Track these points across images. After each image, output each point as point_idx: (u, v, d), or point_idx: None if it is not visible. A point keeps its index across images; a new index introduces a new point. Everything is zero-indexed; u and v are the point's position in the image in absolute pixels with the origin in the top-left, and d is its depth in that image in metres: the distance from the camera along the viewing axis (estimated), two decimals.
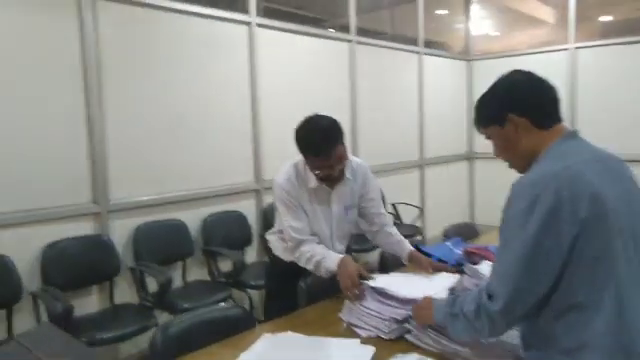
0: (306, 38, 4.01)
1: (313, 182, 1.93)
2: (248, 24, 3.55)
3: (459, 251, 2.22)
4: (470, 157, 6.04)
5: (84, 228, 2.81)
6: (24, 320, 2.55)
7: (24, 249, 2.59)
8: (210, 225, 3.35)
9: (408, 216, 4.87)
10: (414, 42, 5.20)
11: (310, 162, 1.85)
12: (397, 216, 4.76)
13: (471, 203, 6.15)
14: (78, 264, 2.73)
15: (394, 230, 2.18)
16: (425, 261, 2.01)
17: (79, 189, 2.79)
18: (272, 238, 2.17)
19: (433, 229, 5.02)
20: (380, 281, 1.73)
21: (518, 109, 1.22)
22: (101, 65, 2.83)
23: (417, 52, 5.21)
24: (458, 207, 5.96)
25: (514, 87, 1.26)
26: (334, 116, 1.88)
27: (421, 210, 5.02)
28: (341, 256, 1.86)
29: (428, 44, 5.36)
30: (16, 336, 1.31)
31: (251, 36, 3.56)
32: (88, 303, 2.81)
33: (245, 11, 3.55)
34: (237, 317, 1.66)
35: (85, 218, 2.82)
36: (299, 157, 1.93)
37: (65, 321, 2.40)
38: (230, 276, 3.18)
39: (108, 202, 2.88)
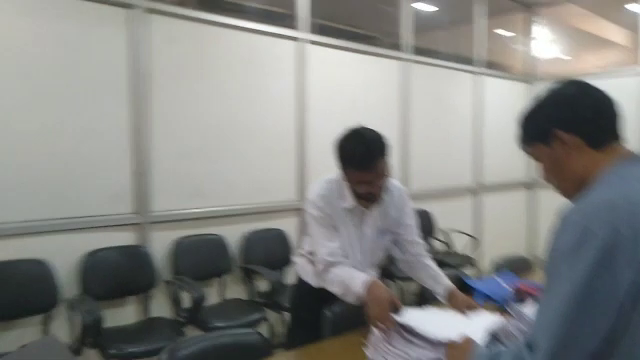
0: (357, 55, 3.94)
1: (349, 201, 1.79)
2: (296, 40, 3.53)
3: (508, 287, 2.02)
4: (530, 185, 5.69)
5: (124, 238, 2.83)
6: (60, 326, 2.57)
7: (65, 256, 2.62)
8: (250, 242, 3.29)
9: (460, 244, 4.62)
10: (471, 62, 5.00)
11: (350, 176, 1.71)
12: (448, 244, 4.52)
13: (529, 234, 5.76)
14: (116, 274, 2.74)
15: (430, 262, 1.99)
16: (462, 302, 1.81)
17: (122, 199, 2.82)
18: (300, 261, 2.03)
19: (487, 261, 4.72)
20: (411, 316, 1.57)
21: (567, 125, 1.04)
22: (149, 78, 2.87)
23: (474, 72, 5.00)
24: (516, 238, 5.60)
25: (563, 99, 1.08)
26: (385, 135, 1.75)
27: (475, 239, 4.75)
28: (370, 278, 1.71)
29: (488, 65, 5.13)
30: (17, 349, 1.27)
31: (300, 52, 3.53)
32: (123, 314, 2.81)
33: (294, 27, 3.53)
34: (252, 344, 1.55)
35: (126, 228, 2.83)
36: (335, 174, 1.82)
37: (95, 331, 2.40)
38: (267, 296, 3.09)
39: (149, 213, 2.89)
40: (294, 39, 3.52)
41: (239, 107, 3.27)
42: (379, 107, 4.10)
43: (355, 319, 1.68)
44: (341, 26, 4.07)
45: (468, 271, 4.24)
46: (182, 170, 3.03)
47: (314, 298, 1.89)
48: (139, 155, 2.85)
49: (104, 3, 2.71)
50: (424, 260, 1.98)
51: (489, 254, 4.77)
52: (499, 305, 1.89)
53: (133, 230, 2.86)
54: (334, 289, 1.77)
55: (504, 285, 2.07)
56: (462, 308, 1.78)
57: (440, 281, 1.91)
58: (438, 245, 4.46)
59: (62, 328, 2.57)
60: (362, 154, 1.65)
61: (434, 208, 4.48)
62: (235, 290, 3.24)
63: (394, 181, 1.94)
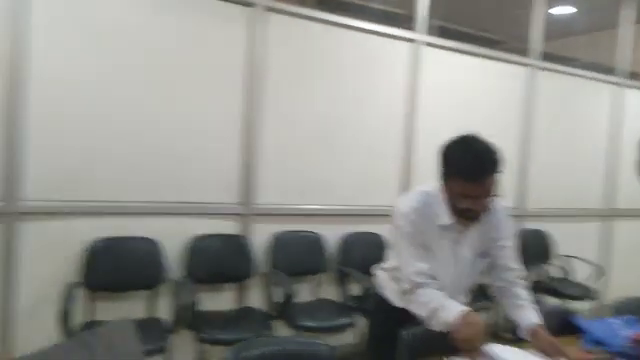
0: (476, 59, 3.71)
1: (446, 217, 1.61)
2: (412, 41, 3.41)
3: (628, 334, 1.72)
4: None
5: (228, 227, 2.94)
6: (164, 304, 2.74)
7: (173, 238, 2.79)
8: (348, 244, 3.25)
9: (582, 274, 4.12)
10: (612, 71, 4.45)
11: (453, 188, 1.54)
12: (566, 271, 4.07)
13: None
14: (217, 260, 2.86)
15: (522, 291, 1.73)
16: (546, 344, 1.56)
17: (229, 190, 2.93)
18: (382, 275, 1.87)
19: (611, 296, 4.17)
20: (499, 351, 1.40)
21: None
22: (263, 75, 2.96)
23: (615, 83, 4.45)
24: None
25: None
26: (501, 147, 1.56)
27: (600, 268, 4.21)
28: (465, 308, 1.53)
29: (631, 76, 4.54)
30: (89, 330, 1.32)
31: (414, 54, 3.41)
32: (220, 300, 2.92)
33: (411, 28, 3.42)
34: (319, 356, 1.47)
35: (230, 218, 2.95)
36: (431, 185, 1.66)
37: (189, 314, 2.52)
38: (359, 301, 3.02)
39: (253, 205, 2.98)
40: (410, 40, 3.41)
41: (347, 107, 3.24)
42: (497, 116, 3.82)
43: (434, 345, 1.52)
44: (463, 28, 3.86)
45: (586, 305, 3.78)
46: (287, 166, 3.08)
47: (391, 317, 1.75)
48: (248, 149, 2.95)
49: (227, 1, 2.85)
50: (515, 288, 1.73)
51: (614, 289, 4.22)
52: (610, 354, 1.62)
53: (237, 220, 2.96)
54: (418, 312, 1.61)
55: (622, 331, 1.77)
56: (545, 351, 1.54)
57: (527, 316, 1.66)
58: (554, 271, 4.04)
59: (165, 306, 2.73)
60: (473, 164, 1.48)
61: (553, 230, 4.06)
62: (328, 290, 3.21)
63: (500, 200, 1.70)
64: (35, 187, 2.47)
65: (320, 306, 3.04)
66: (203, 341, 2.48)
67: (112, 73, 2.60)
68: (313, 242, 3.15)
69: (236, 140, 2.93)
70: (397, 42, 3.38)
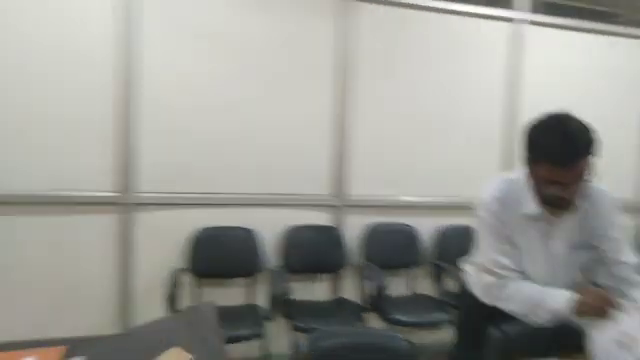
0: (590, 36, 3.36)
1: (532, 206, 1.46)
2: (512, 21, 3.19)
3: None
4: None
5: (322, 218, 2.98)
6: (260, 291, 2.86)
7: (270, 228, 2.90)
8: (444, 238, 3.13)
9: None
10: None
11: (539, 172, 1.38)
12: None
13: None
14: (311, 251, 2.91)
15: (638, 293, 1.50)
16: None
17: (322, 181, 2.97)
18: (470, 270, 1.74)
19: None
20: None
21: None
22: (353, 66, 2.95)
23: None
24: None
25: None
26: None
27: None
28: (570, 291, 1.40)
29: None
30: (178, 311, 1.40)
31: (515, 34, 3.19)
32: (315, 290, 2.97)
33: (510, 7, 3.19)
34: (397, 350, 1.42)
35: (324, 209, 2.98)
36: (516, 173, 1.52)
37: (282, 302, 2.60)
38: (455, 297, 2.90)
39: (345, 197, 2.99)
40: (509, 20, 3.19)
41: (442, 95, 3.12)
42: (615, 99, 3.43)
43: (530, 344, 1.41)
44: (572, 2, 3.52)
45: None
46: (380, 157, 3.04)
47: (480, 314, 1.61)
48: (340, 141, 2.96)
49: None
50: (629, 290, 1.50)
51: None
52: None
53: (330, 211, 2.99)
54: (512, 307, 1.49)
55: None
56: None
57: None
58: None
59: (263, 294, 2.85)
60: (561, 146, 1.30)
61: None
62: (423, 285, 3.13)
63: (598, 185, 1.50)
64: (148, 180, 2.70)
65: (414, 301, 2.98)
66: (297, 329, 2.55)
67: (214, 73, 2.75)
68: (407, 235, 3.09)
69: (328, 132, 2.96)
70: (495, 23, 3.18)
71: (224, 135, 2.80)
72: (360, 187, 3.02)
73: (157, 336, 1.30)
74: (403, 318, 2.69)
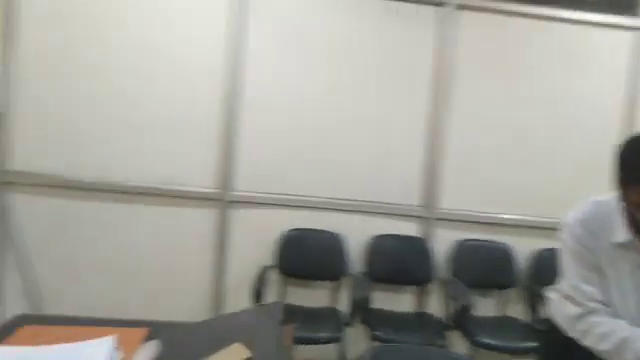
0: None
1: (622, 234, 1.33)
2: (635, 30, 2.87)
3: None
4: None
5: (408, 229, 2.94)
6: (344, 297, 2.89)
7: (356, 234, 2.92)
8: (542, 260, 2.91)
9: None
10: None
11: (633, 198, 1.25)
12: None
13: None
14: (396, 261, 2.88)
15: None
16: None
17: (412, 191, 2.93)
18: (555, 298, 1.58)
19: None
20: None
21: None
22: (451, 75, 2.87)
23: None
24: None
25: None
26: None
27: None
28: None
29: None
30: (251, 307, 1.46)
31: (638, 43, 2.87)
32: (396, 301, 2.94)
33: (634, 14, 2.87)
34: None
35: (411, 220, 2.94)
36: (609, 195, 1.39)
37: (362, 309, 2.60)
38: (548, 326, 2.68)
39: (435, 209, 2.92)
40: (631, 29, 2.88)
41: (546, 108, 2.91)
42: None
43: None
44: None
45: None
46: (474, 170, 2.92)
47: (564, 347, 1.48)
48: (433, 151, 2.89)
49: (417, 3, 2.84)
50: None
51: None
52: None
53: (418, 222, 2.94)
54: (596, 345, 1.35)
55: None
56: None
57: None
58: None
59: (344, 298, 2.88)
60: None
61: None
62: (515, 309, 2.94)
63: None
64: (244, 180, 2.86)
65: (503, 324, 2.81)
66: (375, 339, 2.54)
67: (313, 78, 2.84)
68: (500, 254, 2.92)
69: (421, 141, 2.90)
70: (613, 31, 2.89)
71: (319, 140, 2.87)
72: (451, 200, 2.92)
73: (225, 330, 1.38)
74: (489, 341, 2.55)
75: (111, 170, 2.79)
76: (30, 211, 2.78)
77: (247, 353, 1.20)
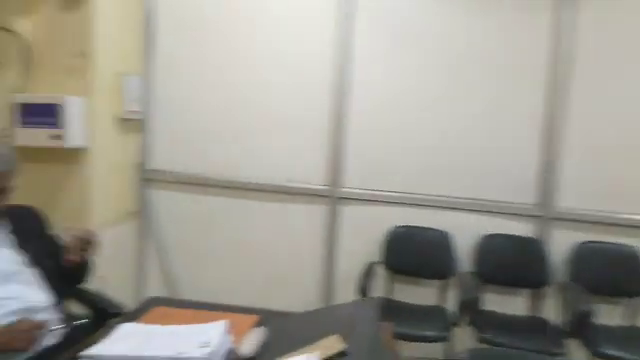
0: None
1: None
2: None
3: None
4: None
5: (522, 229, 2.80)
6: (451, 296, 2.85)
7: (466, 232, 2.85)
8: None
9: None
10: None
11: None
12: None
13: None
14: (508, 262, 2.77)
15: None
16: None
17: (526, 189, 2.78)
18: None
19: None
20: None
21: None
22: (569, 65, 2.67)
23: None
24: None
25: None
26: None
27: None
28: None
29: None
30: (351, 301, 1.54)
31: None
32: (508, 304, 2.82)
33: None
34: None
35: (525, 219, 2.79)
36: None
37: (471, 310, 2.54)
38: None
39: (553, 208, 2.74)
40: None
41: None
42: None
43: None
44: None
45: None
46: (596, 166, 2.69)
47: None
48: (549, 147, 2.73)
49: None
50: None
51: None
52: None
53: (533, 222, 2.79)
54: None
55: None
56: None
57: None
58: None
59: (452, 298, 2.84)
60: None
61: None
62: None
63: None
64: (352, 177, 2.95)
65: (632, 335, 2.56)
66: (483, 341, 2.47)
67: (420, 73, 2.84)
68: (628, 258, 2.66)
69: (537, 136, 2.75)
70: None
71: (427, 136, 2.86)
72: (571, 198, 2.72)
73: (326, 322, 1.48)
74: (615, 352, 2.35)
75: (234, 168, 3.06)
76: (166, 205, 3.16)
77: (343, 345, 1.28)
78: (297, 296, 3.03)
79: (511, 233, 2.80)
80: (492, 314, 2.72)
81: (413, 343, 2.48)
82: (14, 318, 1.42)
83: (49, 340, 1.49)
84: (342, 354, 1.25)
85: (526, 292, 2.81)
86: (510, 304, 2.82)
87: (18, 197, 1.62)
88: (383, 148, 2.91)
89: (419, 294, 2.90)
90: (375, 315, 1.46)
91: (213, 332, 1.28)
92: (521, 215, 2.79)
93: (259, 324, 1.52)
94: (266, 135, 3.01)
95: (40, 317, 1.47)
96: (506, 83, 2.76)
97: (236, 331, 1.39)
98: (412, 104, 2.86)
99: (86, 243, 1.62)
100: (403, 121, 2.87)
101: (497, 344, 2.44)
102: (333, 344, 1.28)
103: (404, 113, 2.87)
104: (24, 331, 1.37)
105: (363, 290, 2.65)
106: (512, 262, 2.77)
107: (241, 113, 3.03)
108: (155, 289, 3.15)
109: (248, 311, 1.63)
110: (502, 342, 2.42)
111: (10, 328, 1.38)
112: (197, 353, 1.18)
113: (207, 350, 1.20)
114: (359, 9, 2.85)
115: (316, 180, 2.99)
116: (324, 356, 1.23)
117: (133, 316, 1.55)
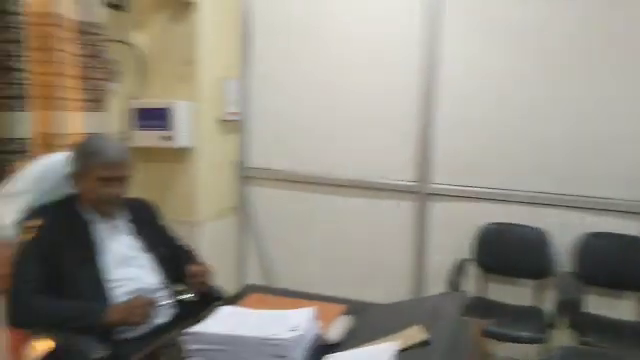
0: None
1: None
2: None
3: None
4: None
5: (631, 227, 2.59)
6: (550, 296, 2.72)
7: (565, 231, 2.70)
8: None
9: None
10: None
11: None
12: None
13: None
14: (614, 262, 2.59)
15: None
16: None
17: (634, 183, 2.58)
18: None
19: None
20: None
21: None
22: None
23: None
24: None
25: None
26: None
27: None
28: None
29: None
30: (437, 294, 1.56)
31: None
32: (615, 307, 2.63)
33: None
34: None
35: (635, 217, 2.59)
36: None
37: (570, 312, 2.41)
38: None
39: None
40: None
41: None
42: None
43: None
44: None
45: None
46: None
47: None
48: None
49: None
50: None
51: None
52: None
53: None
54: None
55: None
56: None
57: None
58: None
59: (549, 299, 2.71)
60: None
61: None
62: None
63: None
64: (442, 173, 2.93)
65: None
66: (584, 344, 2.34)
67: (513, 67, 2.74)
68: None
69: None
70: None
71: (520, 130, 2.75)
72: None
73: (411, 313, 1.52)
74: None
75: (327, 165, 3.16)
76: (265, 201, 3.36)
77: (425, 335, 1.31)
78: (388, 290, 3.06)
79: (617, 232, 2.60)
80: (596, 317, 2.55)
81: (508, 343, 2.41)
82: (131, 297, 1.63)
83: (161, 318, 1.68)
84: (424, 344, 1.28)
85: (634, 295, 2.60)
86: (615, 308, 2.63)
87: (134, 192, 1.84)
88: (473, 143, 2.84)
89: (513, 293, 2.81)
90: (460, 308, 1.47)
91: (302, 317, 1.37)
92: (629, 212, 2.59)
93: (346, 313, 1.60)
94: (358, 133, 3.08)
95: (152, 296, 1.67)
96: (606, 72, 2.57)
97: (324, 318, 1.47)
98: (503, 97, 2.76)
99: (201, 277, 1.79)
100: (494, 114, 2.78)
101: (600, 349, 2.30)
102: (415, 334, 1.32)
103: (495, 106, 2.78)
104: (139, 307, 1.58)
105: (454, 286, 2.63)
106: (620, 263, 2.58)
107: (333, 112, 3.12)
108: (254, 279, 3.36)
109: (336, 301, 1.71)
110: (605, 347, 2.28)
111: (128, 304, 1.59)
112: (286, 335, 1.28)
113: (296, 333, 1.29)
114: (447, 6, 2.81)
115: (406, 176, 3.00)
116: (406, 345, 1.27)
117: (232, 300, 1.70)
